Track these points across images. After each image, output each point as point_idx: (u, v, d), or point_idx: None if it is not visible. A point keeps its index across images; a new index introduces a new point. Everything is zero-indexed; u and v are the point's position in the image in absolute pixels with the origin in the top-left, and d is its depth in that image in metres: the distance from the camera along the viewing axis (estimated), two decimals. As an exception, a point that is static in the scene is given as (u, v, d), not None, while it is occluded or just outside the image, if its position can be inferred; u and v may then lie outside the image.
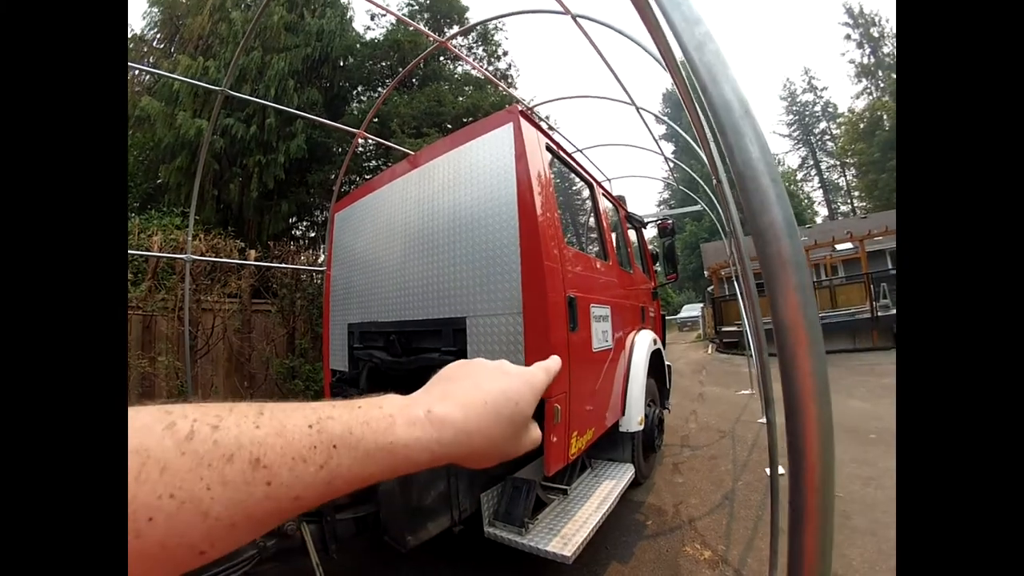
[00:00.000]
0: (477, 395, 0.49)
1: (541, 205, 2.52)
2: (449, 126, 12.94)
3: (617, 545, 3.31)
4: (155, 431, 0.29)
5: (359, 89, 15.56)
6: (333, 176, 12.72)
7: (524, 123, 2.65)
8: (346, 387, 4.20)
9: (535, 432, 0.55)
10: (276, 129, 12.24)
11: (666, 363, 4.98)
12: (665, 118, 9.85)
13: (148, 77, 13.97)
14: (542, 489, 2.78)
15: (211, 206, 12.13)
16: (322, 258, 7.62)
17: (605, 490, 3.21)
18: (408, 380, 3.27)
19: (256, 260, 7.71)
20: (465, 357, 2.39)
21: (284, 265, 7.56)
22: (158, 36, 15.11)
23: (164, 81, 12.14)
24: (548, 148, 2.90)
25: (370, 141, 7.38)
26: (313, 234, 15.27)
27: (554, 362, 0.61)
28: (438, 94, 13.70)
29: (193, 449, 0.30)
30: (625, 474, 3.51)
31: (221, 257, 7.04)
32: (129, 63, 13.64)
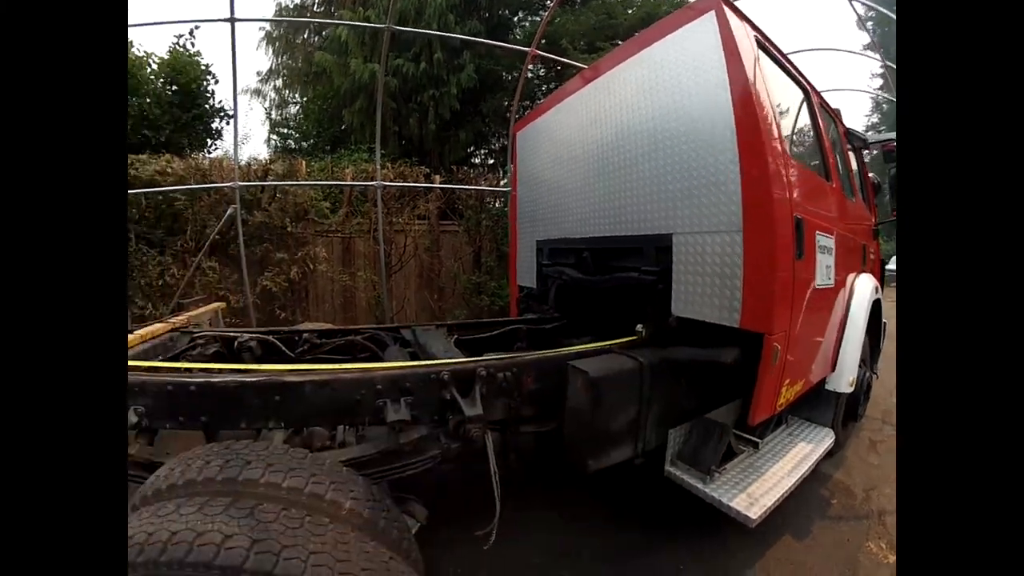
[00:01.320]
0: None
1: (761, 110, 2.13)
2: (620, 43, 11.90)
3: (795, 516, 2.92)
4: None
5: (519, 15, 15.15)
6: (506, 103, 12.81)
7: (729, 12, 2.23)
8: (534, 303, 4.21)
9: None
10: (444, 63, 12.49)
11: (883, 319, 4.19)
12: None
13: (317, 38, 15.00)
14: (734, 437, 2.49)
15: (394, 142, 13.01)
16: (504, 181, 7.80)
17: (801, 453, 2.81)
18: (601, 299, 3.12)
19: (441, 184, 8.09)
20: (670, 277, 1.94)
21: (468, 187, 7.97)
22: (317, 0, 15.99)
23: (332, 36, 12.96)
24: (759, 43, 2.43)
25: (540, 67, 7.13)
26: (492, 161, 15.74)
27: None
28: (606, 7, 12.80)
29: None
30: (824, 439, 3.05)
31: (408, 182, 7.48)
32: (296, 17, 14.37)
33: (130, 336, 2.82)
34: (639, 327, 2.65)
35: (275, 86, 15.72)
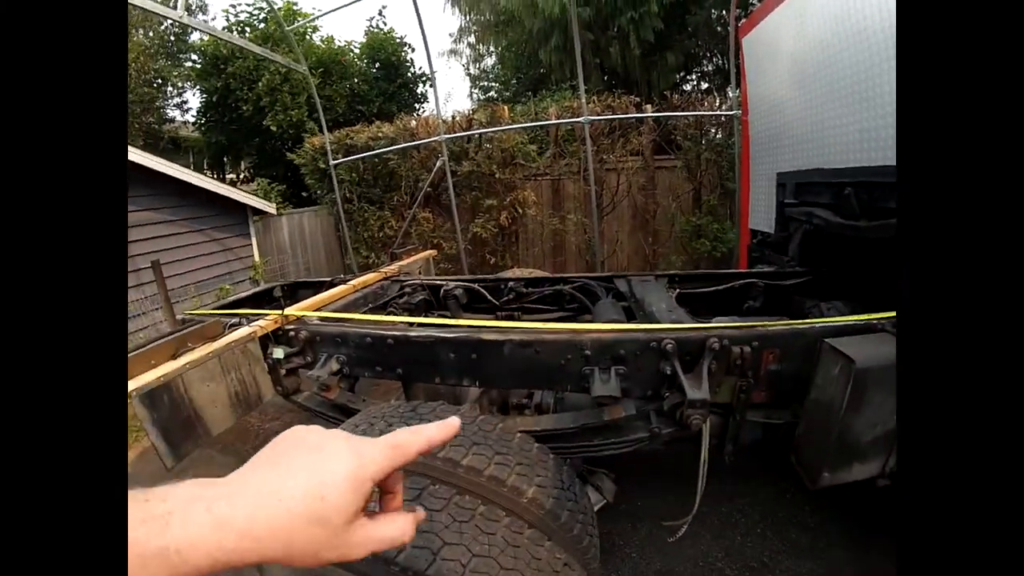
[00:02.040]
0: (274, 488, 0.40)
1: None
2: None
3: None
4: None
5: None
6: (718, 14, 11.01)
7: None
8: (769, 252, 3.38)
9: (369, 532, 0.44)
10: (639, -22, 10.96)
11: None
12: None
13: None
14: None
15: (596, 75, 12.16)
16: (726, 104, 6.39)
17: None
18: (866, 252, 2.43)
19: (653, 113, 7.08)
20: None
21: (685, 114, 6.78)
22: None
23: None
24: None
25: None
26: (706, 85, 13.83)
27: (416, 434, 0.48)
28: None
29: None
30: None
31: (617, 115, 6.69)
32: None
33: (344, 286, 2.89)
34: None
35: (468, 43, 16.07)
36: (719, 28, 10.73)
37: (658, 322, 1.94)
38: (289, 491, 0.39)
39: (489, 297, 2.87)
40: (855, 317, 1.89)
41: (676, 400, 1.68)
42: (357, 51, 12.32)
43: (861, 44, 2.32)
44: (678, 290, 2.79)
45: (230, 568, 0.36)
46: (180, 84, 14.88)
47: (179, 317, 2.79)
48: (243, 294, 3.37)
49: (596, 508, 1.86)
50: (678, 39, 12.07)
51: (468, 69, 16.69)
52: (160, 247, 6.18)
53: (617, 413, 1.77)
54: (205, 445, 2.04)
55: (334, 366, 2.09)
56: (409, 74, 12.92)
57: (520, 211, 6.45)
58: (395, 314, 2.78)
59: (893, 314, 1.88)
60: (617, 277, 2.82)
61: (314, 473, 0.41)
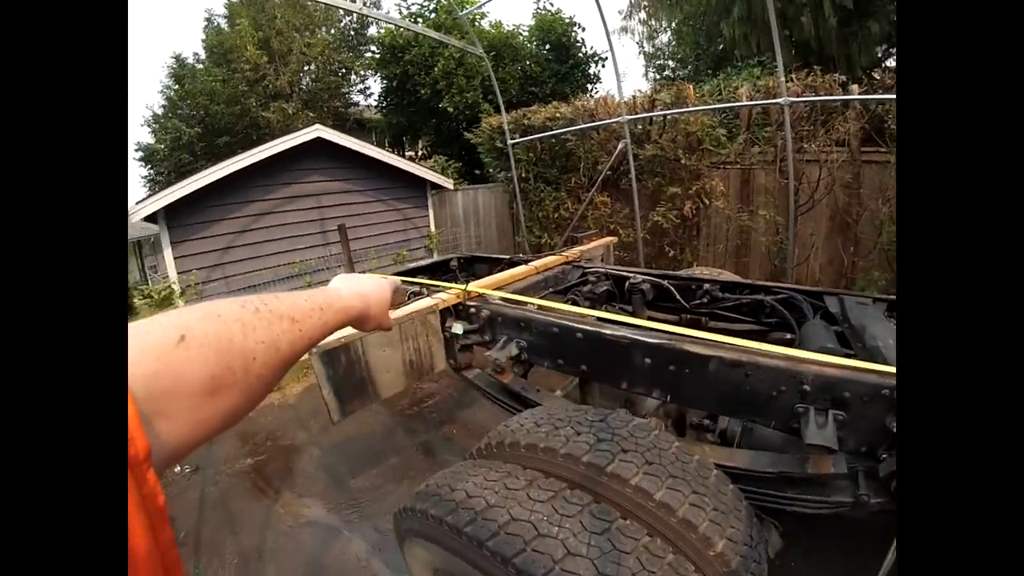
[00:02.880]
0: (367, 280, 0.80)
1: None
2: None
3: None
4: (238, 310, 0.51)
5: None
6: None
7: None
8: None
9: (390, 317, 0.87)
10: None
11: None
12: None
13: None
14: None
15: (785, 50, 10.58)
16: None
17: None
18: None
19: (861, 95, 5.85)
20: None
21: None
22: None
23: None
24: None
25: None
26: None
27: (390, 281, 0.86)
28: None
29: (262, 316, 0.53)
30: None
31: (821, 95, 5.61)
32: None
33: (525, 267, 2.67)
34: None
35: (640, 19, 15.16)
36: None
37: (886, 362, 1.56)
38: (373, 281, 0.80)
39: (678, 297, 2.54)
40: None
41: (893, 467, 1.33)
42: (526, 34, 12.40)
43: None
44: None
45: (359, 315, 0.74)
46: (362, 72, 16.32)
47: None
48: (422, 262, 3.44)
49: None
50: (881, 4, 10.01)
51: (642, 46, 15.83)
52: (347, 213, 6.80)
53: (824, 467, 1.46)
54: (371, 405, 2.03)
55: (513, 350, 1.96)
56: (580, 54, 12.67)
57: (706, 202, 5.79)
58: (576, 303, 2.58)
59: None
60: (827, 294, 2.36)
61: (377, 280, 0.82)
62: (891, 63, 11.63)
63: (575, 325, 1.78)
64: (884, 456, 1.40)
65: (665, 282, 2.58)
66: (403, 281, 2.61)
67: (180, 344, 0.42)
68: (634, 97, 6.58)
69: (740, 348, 1.54)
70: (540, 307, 2.03)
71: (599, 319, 1.88)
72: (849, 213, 5.88)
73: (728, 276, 3.12)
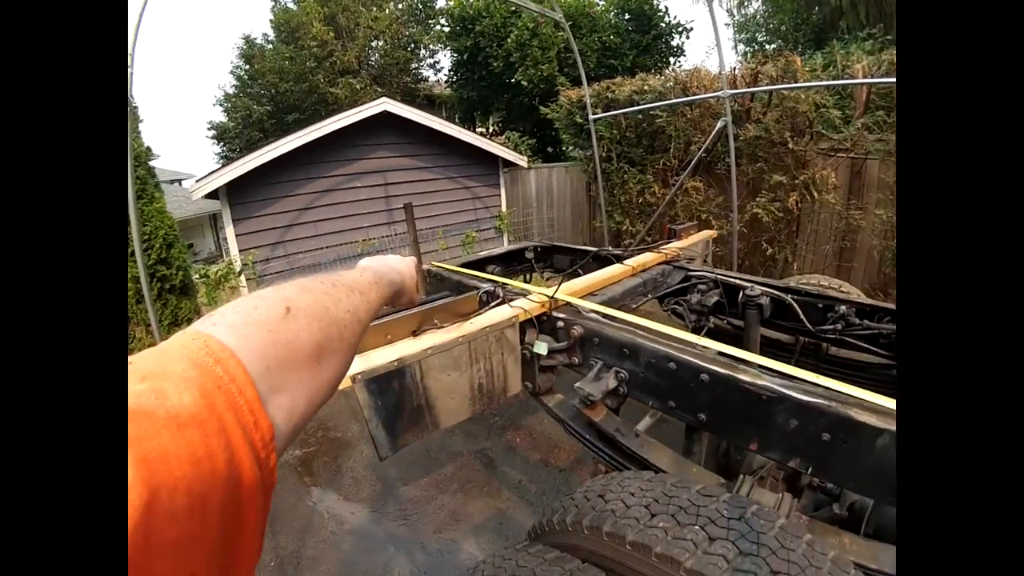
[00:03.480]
0: (396, 259, 0.84)
1: None
2: None
3: None
4: (319, 284, 0.52)
5: None
6: None
7: None
8: None
9: (416, 293, 0.88)
10: None
11: None
12: None
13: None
14: None
15: (889, 21, 9.40)
16: None
17: None
18: None
19: None
20: None
21: None
22: None
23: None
24: None
25: None
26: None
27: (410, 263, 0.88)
28: None
29: (340, 288, 0.54)
30: None
31: None
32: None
33: (620, 266, 2.32)
34: None
35: None
36: None
37: None
38: (401, 260, 0.85)
39: (802, 317, 2.09)
40: None
41: None
42: (603, 3, 11.59)
43: None
44: None
45: (398, 288, 0.79)
46: (431, 46, 15.82)
47: (425, 268, 2.52)
48: (494, 251, 3.05)
49: None
50: None
51: (732, 14, 14.57)
52: (414, 191, 6.52)
53: None
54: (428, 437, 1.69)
55: (612, 382, 1.55)
56: (663, 24, 11.73)
57: (815, 194, 4.99)
58: (680, 314, 2.17)
59: None
60: None
61: (399, 259, 0.85)
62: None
63: (700, 363, 1.35)
64: None
65: (788, 297, 2.13)
66: (474, 275, 2.25)
67: (287, 316, 0.43)
68: (734, 70, 5.85)
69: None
70: (649, 330, 1.58)
71: (731, 358, 1.42)
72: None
73: (858, 295, 2.64)
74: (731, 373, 1.31)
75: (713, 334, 2.28)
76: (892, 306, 2.07)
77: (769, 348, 2.30)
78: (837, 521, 1.39)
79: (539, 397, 1.81)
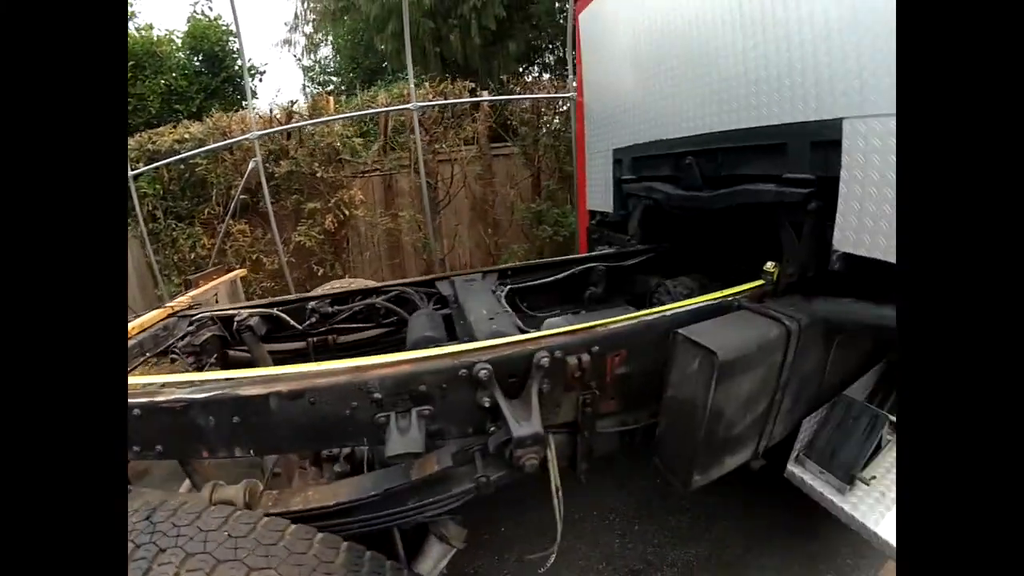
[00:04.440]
0: None
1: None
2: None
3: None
4: None
5: None
6: (558, 4, 11.04)
7: None
8: (609, 232, 3.32)
9: None
10: (486, -33, 10.88)
11: None
12: None
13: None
14: (890, 426, 1.66)
15: (435, 64, 11.78)
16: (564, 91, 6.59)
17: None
18: (711, 224, 2.40)
19: (487, 97, 7.08)
20: (835, 191, 1.57)
21: (520, 96, 6.80)
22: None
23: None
24: None
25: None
26: (547, 76, 14.21)
27: None
28: None
29: None
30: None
31: (450, 100, 6.51)
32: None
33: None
34: (770, 266, 1.82)
35: (304, 32, 14.83)
36: (561, 19, 10.79)
37: (475, 335, 1.67)
38: None
39: (292, 323, 2.42)
40: (707, 297, 1.79)
41: (501, 439, 1.36)
42: (179, 42, 10.78)
43: (694, 15, 2.22)
44: (510, 286, 2.59)
45: None
46: None
47: None
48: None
49: (447, 559, 1.63)
50: (520, 28, 12.13)
51: (300, 59, 15.31)
52: None
53: (429, 468, 1.42)
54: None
55: None
56: (236, 66, 11.56)
57: (347, 212, 5.97)
58: (178, 361, 2.35)
59: (747, 287, 1.86)
60: (439, 279, 2.55)
61: None
62: (528, 78, 14.05)
63: (132, 400, 1.37)
64: (492, 430, 1.43)
65: (274, 310, 2.42)
66: None
67: None
68: (271, 111, 6.46)
69: (296, 375, 1.42)
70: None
71: (162, 385, 1.54)
72: (486, 201, 7.08)
73: (360, 284, 3.14)
74: (151, 399, 1.36)
75: (232, 365, 2.39)
76: (360, 288, 2.61)
77: (298, 358, 2.47)
78: (346, 475, 1.64)
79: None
